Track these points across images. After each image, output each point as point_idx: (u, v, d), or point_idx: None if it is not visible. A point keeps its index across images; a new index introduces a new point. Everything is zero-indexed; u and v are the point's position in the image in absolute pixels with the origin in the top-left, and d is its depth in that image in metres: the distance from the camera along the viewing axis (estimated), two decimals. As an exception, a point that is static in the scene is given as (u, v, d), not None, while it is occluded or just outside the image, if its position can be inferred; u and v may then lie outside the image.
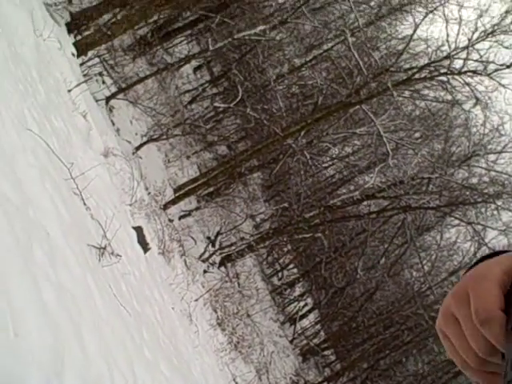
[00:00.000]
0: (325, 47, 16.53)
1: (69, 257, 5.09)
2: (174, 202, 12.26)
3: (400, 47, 15.34)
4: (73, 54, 10.31)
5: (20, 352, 3.54)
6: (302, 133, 12.29)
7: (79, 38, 11.02)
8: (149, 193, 11.31)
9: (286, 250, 20.09)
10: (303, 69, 15.70)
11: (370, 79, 11.64)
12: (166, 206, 11.73)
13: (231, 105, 12.63)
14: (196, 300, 10.34)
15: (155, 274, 8.73)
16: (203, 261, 13.24)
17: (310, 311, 21.16)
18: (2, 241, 3.88)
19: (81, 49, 10.81)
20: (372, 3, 15.31)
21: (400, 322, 16.51)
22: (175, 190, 12.72)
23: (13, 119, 5.19)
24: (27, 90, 6.36)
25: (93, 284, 5.41)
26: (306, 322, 20.83)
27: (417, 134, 15.45)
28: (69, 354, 4.21)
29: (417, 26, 13.30)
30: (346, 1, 12.06)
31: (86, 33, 11.04)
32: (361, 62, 11.22)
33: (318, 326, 21.12)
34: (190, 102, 17.45)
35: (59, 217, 5.26)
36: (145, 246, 8.34)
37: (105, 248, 6.17)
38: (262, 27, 12.31)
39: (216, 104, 15.19)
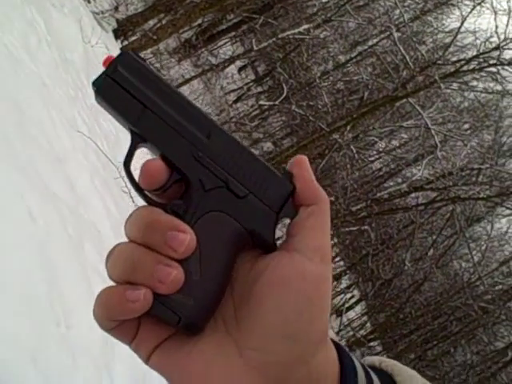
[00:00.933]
0: (370, 43, 16.45)
1: (119, 253, 5.31)
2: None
3: (447, 40, 15.11)
4: (120, 59, 10.63)
5: (72, 344, 3.71)
6: (348, 127, 12.32)
7: (126, 43, 11.37)
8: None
9: (332, 243, 20.03)
10: (348, 65, 15.68)
11: (416, 73, 11.55)
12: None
13: (276, 102, 12.75)
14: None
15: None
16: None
17: (356, 303, 21.04)
18: (55, 238, 4.10)
19: (128, 53, 11.13)
20: (417, -1, 15.15)
21: (448, 313, 16.23)
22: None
23: (64, 122, 5.46)
24: (77, 94, 6.66)
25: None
26: (352, 314, 20.74)
27: (466, 126, 15.20)
28: (118, 347, 4.40)
29: (464, 19, 13.08)
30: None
31: (133, 38, 11.37)
32: (407, 57, 11.15)
33: (365, 318, 20.97)
34: (235, 101, 17.67)
35: (109, 215, 5.50)
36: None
37: (153, 244, 6.35)
38: (306, 26, 12.39)
39: (261, 102, 15.33)
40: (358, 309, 21.44)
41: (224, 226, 0.67)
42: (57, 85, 6.02)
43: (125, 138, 8.11)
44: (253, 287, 0.65)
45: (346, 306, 20.10)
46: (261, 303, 0.63)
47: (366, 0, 16.32)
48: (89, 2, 10.89)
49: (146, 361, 0.66)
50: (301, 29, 12.20)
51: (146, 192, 0.68)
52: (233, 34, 16.03)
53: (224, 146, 0.69)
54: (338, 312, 19.84)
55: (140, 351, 0.66)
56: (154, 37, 10.68)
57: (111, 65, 0.70)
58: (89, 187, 5.32)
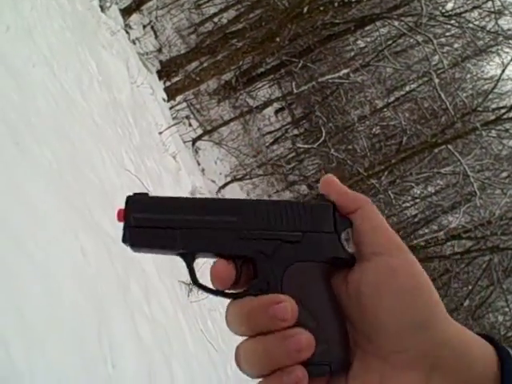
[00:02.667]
0: (407, 88, 16.52)
1: (161, 292, 5.32)
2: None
3: (486, 87, 15.10)
4: (163, 99, 10.87)
5: (117, 383, 3.71)
6: (386, 172, 12.27)
7: (169, 83, 11.61)
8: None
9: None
10: (385, 110, 15.73)
11: (457, 119, 11.50)
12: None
13: (314, 145, 12.80)
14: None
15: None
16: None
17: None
18: (104, 276, 4.12)
19: (170, 94, 11.39)
20: (456, 45, 15.22)
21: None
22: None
23: (112, 160, 5.55)
24: (124, 133, 6.79)
25: (182, 319, 5.59)
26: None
27: (504, 174, 15.00)
28: (160, 385, 4.37)
29: (505, 67, 13.07)
30: (430, 43, 12.03)
31: (176, 79, 11.61)
32: (447, 102, 11.13)
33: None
34: (272, 143, 17.82)
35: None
36: (229, 284, 8.49)
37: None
38: (345, 71, 12.51)
39: (299, 145, 15.43)
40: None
41: (305, 271, 0.72)
42: (106, 123, 6.14)
43: (167, 177, 8.20)
44: (360, 301, 0.69)
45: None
46: (375, 313, 0.68)
47: (403, 46, 16.47)
48: (134, 43, 11.21)
49: None
50: (340, 73, 12.31)
51: (226, 291, 0.72)
52: (271, 76, 16.25)
53: (256, 212, 0.74)
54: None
55: None
56: (197, 78, 10.89)
57: (126, 215, 0.75)
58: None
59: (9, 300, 2.95)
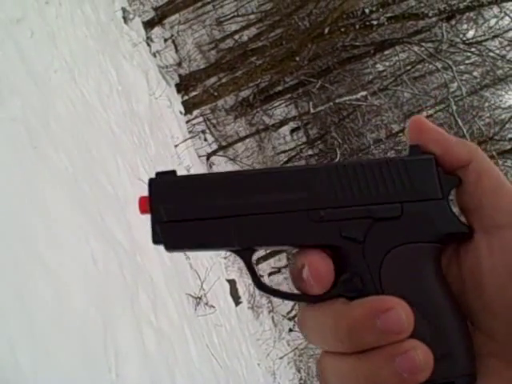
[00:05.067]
0: (424, 114, 16.51)
1: (169, 303, 5.30)
2: (265, 258, 12.43)
3: (504, 116, 15.05)
4: (180, 112, 10.93)
5: None
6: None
7: (187, 97, 11.68)
8: (243, 248, 11.52)
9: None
10: (400, 134, 15.72)
11: (474, 147, 11.46)
12: (257, 262, 11.92)
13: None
14: (281, 358, 10.29)
15: (244, 328, 8.81)
16: (289, 319, 13.22)
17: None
18: (113, 283, 4.12)
19: (188, 108, 11.45)
20: (475, 73, 15.22)
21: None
22: (268, 248, 12.88)
23: (127, 169, 5.57)
24: (140, 143, 6.82)
25: (188, 332, 5.56)
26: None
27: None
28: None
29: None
30: (449, 70, 12.03)
31: (194, 93, 11.68)
32: (464, 130, 11.09)
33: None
34: (286, 162, 17.85)
35: (162, 264, 5.51)
36: (236, 299, 8.48)
37: (201, 298, 6.35)
38: (363, 93, 12.53)
39: (313, 165, 15.41)
40: None
41: (410, 257, 0.54)
42: (123, 132, 6.17)
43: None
44: (480, 289, 0.53)
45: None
46: (502, 303, 0.52)
47: (422, 71, 16.49)
48: (154, 56, 11.31)
49: None
50: (358, 95, 12.32)
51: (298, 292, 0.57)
52: (289, 95, 16.31)
53: (332, 181, 0.55)
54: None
55: None
56: (215, 93, 10.94)
57: (153, 206, 0.56)
58: (147, 236, 5.34)
59: (18, 302, 2.95)
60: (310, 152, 19.10)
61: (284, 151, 18.40)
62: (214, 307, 6.69)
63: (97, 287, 3.81)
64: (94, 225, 4.17)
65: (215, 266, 7.92)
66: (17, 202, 3.24)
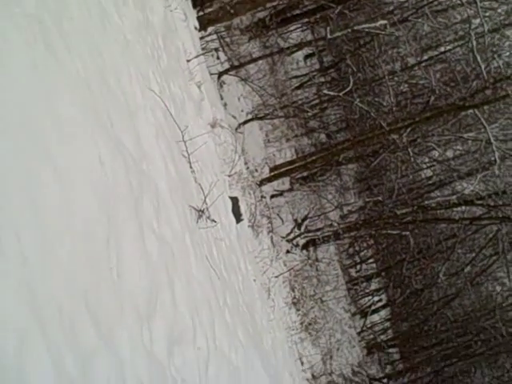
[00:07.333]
0: (442, 49, 16.15)
1: (172, 213, 5.41)
2: (269, 179, 12.55)
3: (523, 56, 14.71)
4: (195, 28, 10.75)
5: (120, 292, 3.78)
6: (408, 130, 12.16)
7: (202, 13, 11.45)
8: (247, 167, 11.66)
9: (368, 243, 20.11)
10: (416, 68, 15.45)
11: (489, 84, 11.26)
12: (261, 183, 12.04)
13: (340, 94, 12.65)
14: (276, 276, 10.57)
15: (243, 245, 9.00)
16: (288, 241, 13.51)
17: (382, 307, 21.02)
18: (119, 186, 4.21)
19: (203, 24, 11.24)
20: (499, 10, 14.75)
21: (474, 333, 15.98)
22: (271, 169, 13.00)
23: (139, 78, 5.58)
24: (153, 55, 6.78)
25: (189, 242, 5.70)
26: (376, 317, 20.74)
27: (526, 147, 14.84)
28: (161, 303, 4.48)
29: (545, 38, 12.73)
30: (473, 5, 11.67)
31: (210, 9, 11.44)
32: (482, 66, 10.90)
33: (388, 324, 20.96)
34: (298, 88, 17.67)
35: (168, 174, 5.61)
36: (238, 217, 8.62)
37: (203, 211, 6.45)
38: (382, 22, 12.22)
39: (325, 91, 15.26)
40: (383, 313, 21.41)
41: None
42: (137, 42, 6.13)
43: (189, 104, 8.21)
44: None
45: (373, 308, 20.09)
46: None
47: (444, 5, 16.00)
48: (172, -33, 10.99)
49: None
50: (378, 24, 12.04)
51: None
52: (306, 20, 15.94)
53: None
54: (363, 313, 19.88)
55: None
56: (232, 11, 10.71)
57: None
58: (153, 145, 5.42)
59: (26, 195, 3.00)
60: (323, 79, 18.86)
61: (296, 76, 18.16)
62: (215, 222, 6.83)
63: (103, 189, 3.89)
64: (103, 129, 4.23)
65: (219, 183, 8.02)
66: (28, 98, 3.27)
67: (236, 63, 13.81)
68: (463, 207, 13.47)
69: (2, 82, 3.09)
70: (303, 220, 15.01)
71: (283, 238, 13.43)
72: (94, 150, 3.90)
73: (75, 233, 3.40)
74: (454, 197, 12.52)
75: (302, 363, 10.91)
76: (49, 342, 2.75)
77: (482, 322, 15.64)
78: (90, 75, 4.32)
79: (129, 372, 3.52)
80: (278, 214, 13.56)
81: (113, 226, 3.93)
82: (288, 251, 13.39)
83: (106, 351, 3.32)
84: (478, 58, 10.76)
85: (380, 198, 13.70)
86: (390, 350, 20.28)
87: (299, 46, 16.75)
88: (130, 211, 4.36)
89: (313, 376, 11.32)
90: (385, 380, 18.55)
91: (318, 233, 14.32)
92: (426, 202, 13.54)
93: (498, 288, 16.71)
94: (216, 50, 13.09)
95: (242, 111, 13.89)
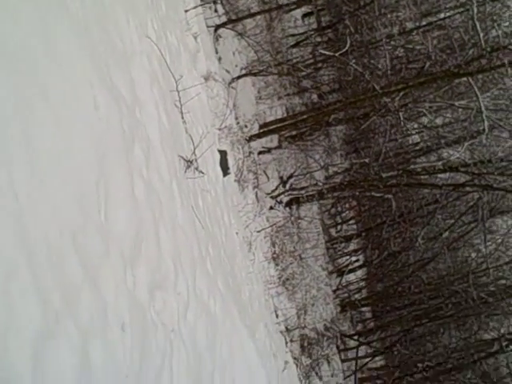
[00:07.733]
0: (441, 15, 16.04)
1: (161, 161, 5.47)
2: (258, 136, 12.59)
3: (522, 28, 14.65)
4: (194, -24, 10.58)
5: (106, 234, 3.84)
6: (401, 94, 12.18)
7: (203, -41, 11.25)
8: (238, 122, 11.68)
9: (350, 205, 20.31)
10: (414, 33, 15.37)
11: (485, 53, 11.24)
12: (250, 139, 12.08)
13: (336, 54, 12.60)
14: (259, 231, 10.73)
15: (228, 198, 9.10)
16: (272, 197, 13.63)
17: (359, 267, 21.40)
18: (112, 130, 4.27)
19: (202, -27, 11.07)
20: (501, -22, 14.62)
21: (446, 296, 16.37)
22: (261, 126, 13.03)
23: (137, 25, 5.56)
24: (153, 3, 6.72)
25: (176, 190, 5.78)
26: (352, 277, 21.12)
27: (515, 118, 14.93)
28: (146, 247, 4.57)
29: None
30: (475, -28, 11.55)
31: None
32: (481, 35, 10.88)
33: (363, 283, 21.37)
34: (293, 46, 17.52)
35: (160, 123, 5.65)
36: (225, 170, 8.70)
37: (192, 162, 6.52)
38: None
39: (321, 50, 15.16)
40: (360, 273, 21.81)
41: None
42: (136, -13, 6.08)
43: (184, 54, 8.18)
44: None
45: (350, 267, 20.43)
46: None
47: (447, -29, 15.83)
48: None
49: None
50: (378, -15, 11.91)
51: None
52: (306, -23, 15.72)
53: None
54: (340, 272, 20.25)
55: None
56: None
57: None
58: (147, 92, 5.45)
59: (19, 130, 3.03)
60: (319, 39, 18.70)
61: (293, 35, 17.99)
62: (203, 173, 6.90)
63: (95, 131, 3.94)
64: (99, 72, 4.26)
65: (209, 136, 8.07)
66: (27, 33, 3.28)
67: (234, 17, 13.66)
68: (447, 174, 13.61)
69: (2, 16, 3.10)
70: (289, 178, 15.12)
71: (268, 194, 13.56)
72: (89, 92, 3.94)
73: (66, 173, 3.44)
74: (440, 163, 12.65)
75: (277, 316, 11.17)
76: (35, 274, 2.82)
77: (454, 285, 15.97)
78: (89, 16, 4.33)
79: (111, 312, 3.61)
80: (264, 171, 13.66)
81: (103, 170, 3.97)
82: (271, 207, 13.54)
83: (90, 290, 3.40)
84: (478, 25, 10.72)
85: (366, 161, 13.80)
86: (363, 309, 20.76)
87: (298, 4, 16.54)
88: (120, 156, 4.41)
89: (286, 329, 11.61)
90: (355, 337, 19.04)
91: (303, 191, 14.45)
92: (412, 167, 13.67)
93: (474, 254, 17.05)
94: (214, 2, 12.93)
95: (236, 66, 13.81)
